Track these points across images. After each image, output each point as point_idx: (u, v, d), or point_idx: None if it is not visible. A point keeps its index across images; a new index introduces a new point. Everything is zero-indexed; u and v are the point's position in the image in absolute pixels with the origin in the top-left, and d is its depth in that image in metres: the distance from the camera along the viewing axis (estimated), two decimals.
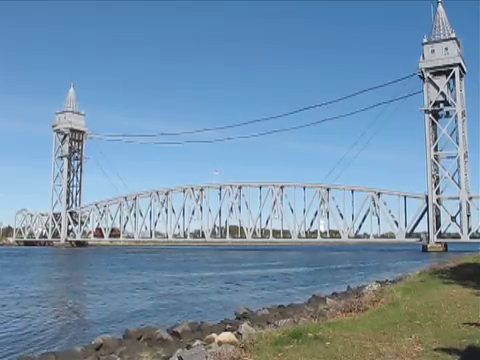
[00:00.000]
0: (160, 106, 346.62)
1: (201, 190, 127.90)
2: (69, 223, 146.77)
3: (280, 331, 9.11)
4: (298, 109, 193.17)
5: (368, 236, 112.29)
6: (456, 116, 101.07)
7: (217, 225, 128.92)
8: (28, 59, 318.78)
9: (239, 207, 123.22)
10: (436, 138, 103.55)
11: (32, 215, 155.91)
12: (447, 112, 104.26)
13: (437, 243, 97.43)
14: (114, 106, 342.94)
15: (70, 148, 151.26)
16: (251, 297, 25.77)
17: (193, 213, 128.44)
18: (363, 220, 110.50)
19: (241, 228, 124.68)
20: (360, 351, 7.60)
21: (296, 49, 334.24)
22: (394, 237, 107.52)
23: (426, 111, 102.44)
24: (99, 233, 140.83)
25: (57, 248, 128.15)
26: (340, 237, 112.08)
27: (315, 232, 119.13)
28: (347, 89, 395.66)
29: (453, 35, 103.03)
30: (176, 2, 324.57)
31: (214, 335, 12.45)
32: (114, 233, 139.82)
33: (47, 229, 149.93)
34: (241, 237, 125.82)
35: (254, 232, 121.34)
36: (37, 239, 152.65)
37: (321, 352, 7.54)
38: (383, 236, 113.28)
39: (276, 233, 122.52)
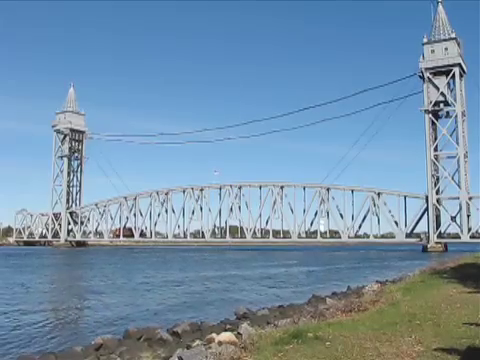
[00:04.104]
0: (160, 106, 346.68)
1: (201, 190, 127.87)
2: (69, 223, 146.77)
3: (280, 331, 9.11)
4: (298, 109, 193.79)
5: (368, 236, 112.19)
6: (456, 116, 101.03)
7: (217, 225, 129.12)
8: (28, 59, 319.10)
9: (239, 207, 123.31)
10: (436, 138, 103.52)
11: (32, 215, 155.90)
12: (447, 112, 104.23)
13: (437, 243, 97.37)
14: (114, 106, 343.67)
15: (70, 148, 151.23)
16: (251, 297, 25.76)
17: (193, 213, 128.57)
18: (363, 220, 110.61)
19: (241, 228, 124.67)
20: (360, 351, 7.60)
21: (296, 49, 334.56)
22: (394, 237, 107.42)
23: (426, 111, 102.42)
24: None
25: (57, 248, 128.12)
26: (340, 237, 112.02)
27: (315, 232, 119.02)
28: (347, 89, 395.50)
29: (453, 35, 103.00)
30: (176, 2, 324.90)
31: (214, 335, 12.43)
32: (125, 233, 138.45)
33: (47, 229, 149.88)
34: (241, 237, 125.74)
35: (254, 232, 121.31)
36: (37, 239, 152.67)
37: (321, 352, 7.54)
38: (383, 236, 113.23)
39: (276, 233, 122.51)
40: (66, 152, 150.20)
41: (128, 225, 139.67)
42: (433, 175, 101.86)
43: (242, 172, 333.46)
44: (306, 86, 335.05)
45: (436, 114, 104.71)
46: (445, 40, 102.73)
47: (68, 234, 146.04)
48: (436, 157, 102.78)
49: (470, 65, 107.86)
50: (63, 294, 28.82)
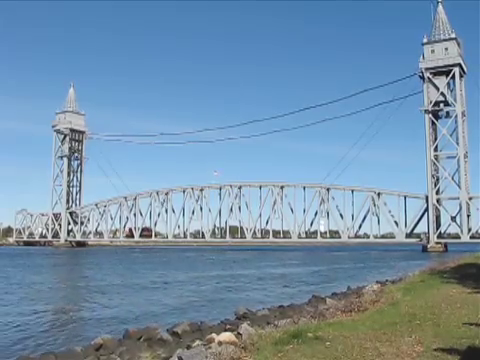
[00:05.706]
0: (160, 106, 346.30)
1: (201, 190, 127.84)
2: (69, 223, 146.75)
3: (280, 331, 9.10)
4: (298, 109, 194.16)
5: (368, 236, 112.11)
6: (456, 116, 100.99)
7: (217, 225, 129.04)
8: (28, 59, 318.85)
9: (239, 207, 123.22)
10: (436, 138, 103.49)
11: (32, 215, 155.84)
12: (447, 112, 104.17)
13: (437, 243, 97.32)
14: (114, 106, 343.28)
15: (70, 148, 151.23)
16: (251, 297, 25.77)
17: (193, 213, 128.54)
18: (363, 220, 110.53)
19: (241, 228, 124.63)
20: (360, 351, 7.60)
21: (296, 49, 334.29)
22: (394, 237, 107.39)
23: (426, 111, 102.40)
24: (129, 233, 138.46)
25: (57, 248, 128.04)
26: (340, 237, 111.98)
27: (315, 232, 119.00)
28: (347, 89, 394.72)
29: (453, 35, 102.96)
30: (176, 2, 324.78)
31: (214, 335, 12.44)
32: (146, 233, 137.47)
33: (47, 229, 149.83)
34: (241, 237, 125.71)
35: (254, 232, 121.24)
36: (37, 239, 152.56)
37: (321, 352, 7.54)
38: (383, 236, 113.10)
39: (276, 233, 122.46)
40: (66, 152, 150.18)
41: (128, 225, 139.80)
42: (433, 175, 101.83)
43: (242, 172, 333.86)
44: (306, 86, 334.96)
45: (436, 114, 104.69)
46: (445, 40, 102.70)
47: (68, 234, 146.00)
48: (436, 157, 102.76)
49: (470, 65, 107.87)
50: (63, 294, 28.82)
